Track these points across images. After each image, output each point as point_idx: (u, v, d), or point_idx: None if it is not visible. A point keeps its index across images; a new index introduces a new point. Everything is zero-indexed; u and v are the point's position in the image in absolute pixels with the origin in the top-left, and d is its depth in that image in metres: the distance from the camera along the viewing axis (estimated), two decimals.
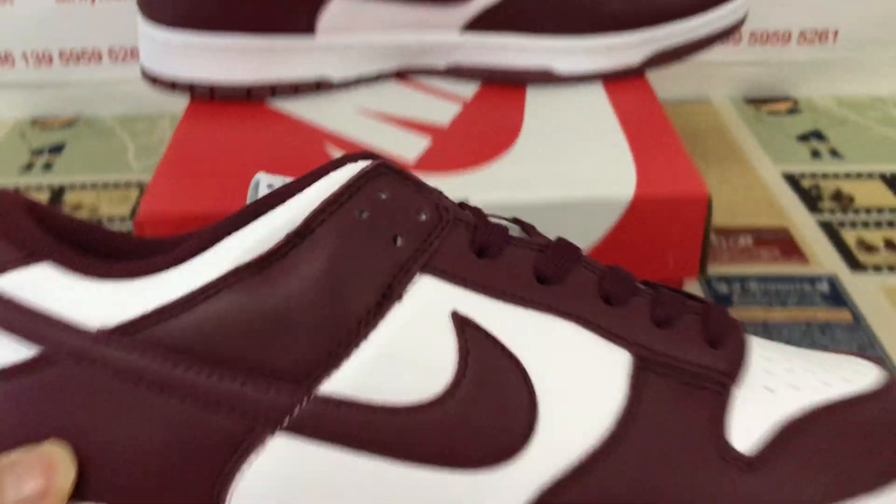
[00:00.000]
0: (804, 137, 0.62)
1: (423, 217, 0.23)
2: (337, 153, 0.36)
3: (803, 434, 0.24)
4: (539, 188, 0.33)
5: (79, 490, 0.22)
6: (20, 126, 0.65)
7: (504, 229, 0.25)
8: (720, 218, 0.53)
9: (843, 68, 0.66)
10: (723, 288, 0.48)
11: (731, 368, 0.25)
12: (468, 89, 0.40)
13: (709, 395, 0.24)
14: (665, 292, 0.26)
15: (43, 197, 0.56)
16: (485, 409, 0.22)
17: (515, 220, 0.27)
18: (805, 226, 0.52)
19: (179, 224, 0.33)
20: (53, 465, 0.21)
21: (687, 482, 0.23)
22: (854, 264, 0.49)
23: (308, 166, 0.35)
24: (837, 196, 0.55)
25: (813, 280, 0.48)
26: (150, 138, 0.63)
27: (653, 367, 0.24)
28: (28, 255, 0.22)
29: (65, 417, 0.22)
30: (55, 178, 0.58)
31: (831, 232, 0.52)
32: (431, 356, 0.22)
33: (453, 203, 0.25)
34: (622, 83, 0.40)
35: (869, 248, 0.50)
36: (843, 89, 0.67)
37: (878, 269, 0.49)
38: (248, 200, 0.27)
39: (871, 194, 0.55)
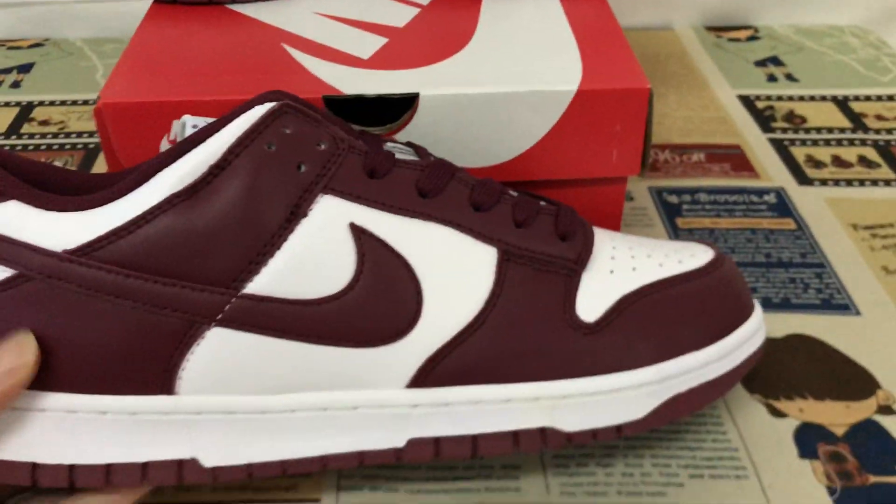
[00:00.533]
0: (762, 63, 0.63)
1: (323, 147, 0.28)
2: (294, 52, 0.37)
3: (637, 305, 0.31)
4: (488, 83, 0.34)
5: (51, 382, 0.27)
6: None
7: (391, 154, 0.29)
8: (675, 136, 0.55)
9: None
10: (673, 199, 0.49)
11: (578, 256, 0.31)
12: None
13: (560, 278, 0.30)
14: (524, 198, 0.31)
15: (11, 113, 0.57)
16: (379, 299, 0.28)
17: (409, 144, 0.32)
18: (757, 143, 0.54)
19: (136, 113, 0.34)
20: (22, 345, 0.26)
21: (542, 346, 0.30)
22: (802, 178, 0.51)
23: (266, 65, 0.36)
24: (790, 116, 0.57)
25: (761, 192, 0.50)
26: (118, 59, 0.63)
27: (514, 259, 0.30)
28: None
29: (37, 322, 0.26)
30: (24, 96, 0.59)
31: (781, 149, 0.54)
32: (334, 259, 0.27)
33: (349, 134, 0.29)
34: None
35: (817, 164, 0.52)
36: (803, 19, 0.68)
37: (823, 182, 0.51)
38: (176, 137, 0.30)
39: (822, 115, 0.57)
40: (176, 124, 0.31)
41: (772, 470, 0.34)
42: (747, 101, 0.59)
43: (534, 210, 0.31)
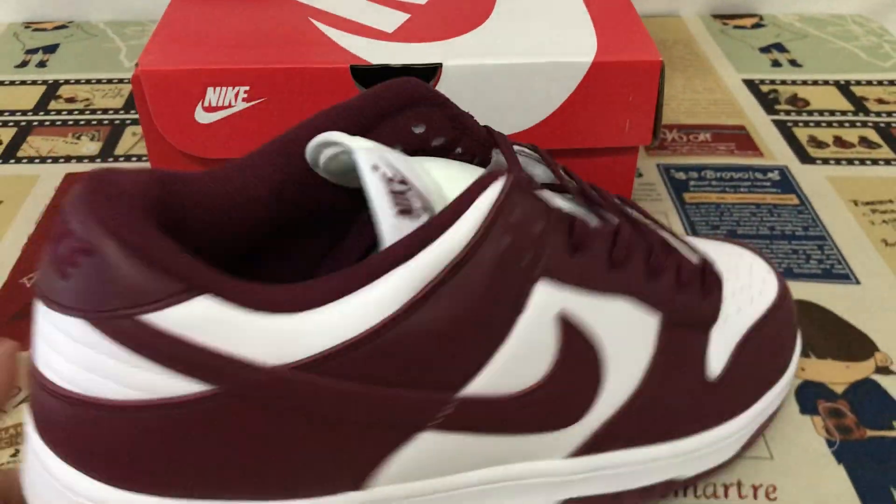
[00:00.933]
0: (766, 49, 0.65)
1: (539, 227, 0.24)
2: (322, 26, 0.39)
3: (745, 352, 0.31)
4: (507, 55, 0.36)
5: (232, 490, 0.24)
6: (13, 28, 0.67)
7: (584, 224, 0.26)
8: (682, 117, 0.57)
9: None
10: (680, 175, 0.51)
11: (713, 312, 0.30)
12: None
13: (698, 336, 0.30)
14: (681, 257, 0.29)
15: (38, 91, 0.59)
16: (570, 387, 0.26)
17: (534, 148, 0.29)
18: (761, 124, 0.56)
19: (172, 80, 0.36)
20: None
21: (680, 406, 0.29)
22: (804, 157, 0.53)
23: (296, 38, 0.38)
24: (793, 100, 0.59)
25: (765, 170, 0.52)
26: (140, 41, 0.65)
27: (671, 323, 0.28)
28: (188, 289, 0.21)
29: (228, 441, 0.23)
30: (49, 75, 0.61)
31: (785, 130, 0.55)
32: (540, 352, 0.25)
33: (470, 133, 0.26)
34: None
35: (819, 144, 0.54)
36: (807, 7, 0.70)
37: (825, 161, 0.52)
38: (383, 171, 0.24)
39: (825, 98, 0.59)
40: (364, 155, 0.23)
41: (774, 424, 0.35)
42: (752, 85, 0.60)
43: (696, 272, 0.30)
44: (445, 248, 0.23)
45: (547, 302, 0.25)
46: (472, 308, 0.23)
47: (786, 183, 0.50)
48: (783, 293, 0.34)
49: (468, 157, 0.28)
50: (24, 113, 0.56)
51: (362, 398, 0.23)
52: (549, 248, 0.24)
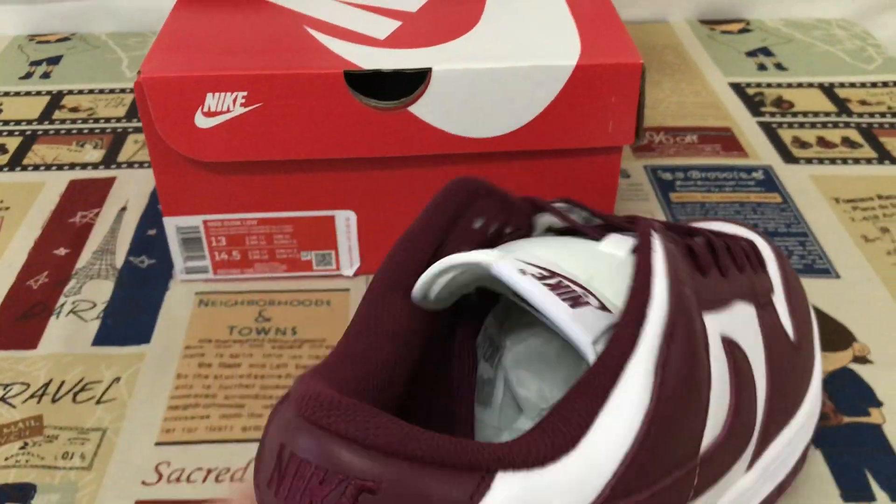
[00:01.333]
0: (752, 53, 0.67)
1: (682, 263, 0.24)
2: (316, 34, 0.40)
3: (793, 310, 0.32)
4: (494, 59, 0.38)
5: None
6: (18, 40, 0.68)
7: (698, 246, 0.27)
8: (670, 119, 0.58)
9: None
10: (667, 176, 0.53)
11: (771, 283, 0.31)
12: None
13: (771, 309, 0.30)
14: (737, 242, 0.30)
15: (43, 101, 0.60)
16: (745, 403, 0.25)
17: (568, 201, 0.29)
18: (747, 126, 0.57)
19: (174, 86, 0.37)
20: None
21: (785, 373, 0.29)
22: (788, 157, 0.54)
23: (291, 44, 0.39)
24: (778, 102, 0.60)
25: (749, 169, 0.53)
26: (142, 51, 0.67)
27: (761, 308, 0.29)
28: (482, 478, 0.19)
29: None
30: (54, 85, 0.62)
31: (770, 131, 0.57)
32: (724, 382, 0.24)
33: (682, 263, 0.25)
34: None
35: (802, 144, 0.55)
36: (792, 12, 0.72)
37: (808, 161, 0.54)
38: (431, 296, 0.24)
39: (809, 101, 0.60)
40: (505, 265, 0.22)
41: None
42: (738, 88, 0.62)
43: (749, 253, 0.31)
44: (657, 320, 0.21)
45: (714, 331, 0.24)
46: (694, 365, 0.22)
47: (770, 182, 0.52)
48: (780, 254, 0.35)
49: (520, 233, 0.27)
50: (29, 122, 0.58)
51: None
52: (692, 280, 0.24)
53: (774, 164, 0.54)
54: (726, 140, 0.56)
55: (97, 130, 0.57)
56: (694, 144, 0.56)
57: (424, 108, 0.38)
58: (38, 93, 0.61)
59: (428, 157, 0.40)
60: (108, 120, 0.58)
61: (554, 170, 0.41)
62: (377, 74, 0.38)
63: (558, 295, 0.21)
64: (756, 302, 0.28)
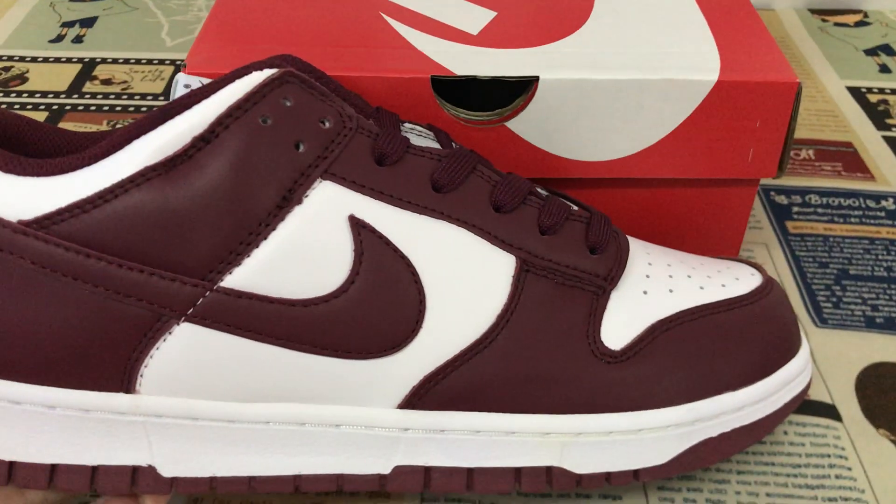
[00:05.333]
0: (872, 51, 0.58)
1: (327, 125, 0.24)
2: (394, 24, 0.34)
3: (671, 333, 0.27)
4: (615, 68, 0.31)
5: None
6: None
7: (404, 140, 0.25)
8: None
9: None
10: (782, 199, 0.45)
11: (608, 272, 0.27)
12: None
13: (586, 296, 0.27)
14: (554, 200, 0.27)
15: (73, 70, 0.54)
16: (376, 305, 0.24)
17: (430, 127, 0.28)
18: (871, 141, 0.50)
19: None
20: None
21: (558, 373, 0.26)
22: None
23: (365, 36, 0.32)
24: None
25: (878, 197, 0.46)
26: (184, 16, 0.60)
27: (534, 270, 0.26)
28: None
29: None
30: (86, 52, 0.56)
31: None
32: (328, 256, 0.24)
33: (357, 112, 0.25)
34: None
35: None
36: None
37: None
38: (172, 97, 0.26)
39: None
40: (175, 82, 0.27)
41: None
42: (858, 94, 0.54)
43: (563, 215, 0.27)
44: (189, 121, 0.23)
45: (334, 202, 0.24)
46: (221, 187, 0.23)
47: None
48: (763, 288, 0.30)
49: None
50: (56, 95, 0.52)
51: (100, 268, 0.23)
52: (342, 150, 0.24)
53: None
54: (848, 158, 0.48)
55: (131, 108, 0.51)
56: (811, 161, 0.48)
57: (526, 124, 0.31)
58: (69, 60, 0.55)
59: None
60: (143, 96, 0.52)
61: (676, 203, 0.34)
62: (471, 81, 0.31)
63: (178, 99, 0.25)
64: (523, 259, 0.26)
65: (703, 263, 0.30)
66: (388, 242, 0.24)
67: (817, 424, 0.34)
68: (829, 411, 0.34)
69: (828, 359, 0.36)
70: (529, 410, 0.26)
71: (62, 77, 0.53)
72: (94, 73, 0.54)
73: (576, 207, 0.28)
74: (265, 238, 0.23)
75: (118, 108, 0.51)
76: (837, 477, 0.32)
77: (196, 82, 0.26)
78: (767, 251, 0.42)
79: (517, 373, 0.26)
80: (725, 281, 0.29)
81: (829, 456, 0.32)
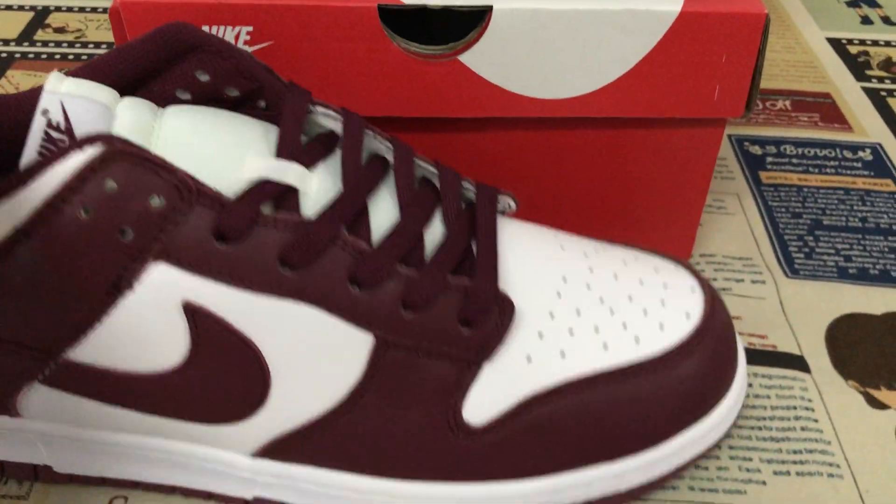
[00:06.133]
0: (854, 3, 0.57)
1: (157, 203, 0.22)
2: None
3: (548, 409, 0.25)
4: None
5: None
6: None
7: (253, 211, 0.23)
8: None
9: None
10: (755, 150, 0.44)
11: (480, 347, 0.25)
12: None
13: (453, 369, 0.25)
14: (430, 275, 0.24)
15: (25, 17, 0.52)
16: (216, 382, 0.24)
17: (344, 112, 0.26)
18: (850, 92, 0.48)
19: (156, 17, 0.29)
20: None
21: (412, 443, 0.25)
22: None
23: None
24: (888, 64, 0.51)
25: (855, 147, 0.44)
26: None
27: (394, 347, 0.24)
28: None
29: None
30: (38, 0, 0.54)
31: (878, 100, 0.48)
32: (163, 339, 0.24)
33: (198, 181, 0.23)
34: None
35: None
36: None
37: None
38: (48, 116, 0.24)
39: None
40: (47, 98, 0.23)
41: (869, 470, 0.29)
42: (838, 45, 0.52)
43: (433, 292, 0.24)
44: (9, 211, 0.22)
45: (167, 286, 0.23)
46: (47, 278, 0.23)
47: (880, 164, 0.43)
48: (688, 345, 0.26)
49: (274, 112, 0.26)
50: (5, 42, 0.50)
51: None
52: (176, 230, 0.22)
53: (885, 141, 0.45)
54: (826, 108, 0.47)
55: (84, 57, 0.49)
56: (787, 112, 0.47)
57: (480, 58, 0.30)
58: (21, 7, 0.53)
59: (480, 122, 0.32)
60: (98, 45, 0.50)
61: (637, 143, 0.32)
62: (421, 11, 0.29)
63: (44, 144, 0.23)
64: (382, 336, 0.24)
65: (635, 294, 0.27)
66: (226, 326, 0.23)
67: (784, 376, 0.32)
68: (797, 363, 0.33)
69: (798, 310, 0.35)
70: (382, 475, 0.26)
71: (12, 24, 0.51)
72: (46, 21, 0.52)
73: (456, 279, 0.25)
74: (100, 321, 0.23)
75: (70, 57, 0.49)
76: (803, 429, 0.31)
77: (57, 109, 0.23)
78: (739, 201, 0.41)
79: (371, 440, 0.25)
80: (641, 332, 0.26)
81: (795, 408, 0.31)
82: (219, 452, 0.26)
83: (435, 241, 0.25)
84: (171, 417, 0.25)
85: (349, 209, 0.24)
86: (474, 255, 0.26)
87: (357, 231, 0.24)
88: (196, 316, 0.23)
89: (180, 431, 0.26)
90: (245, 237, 0.23)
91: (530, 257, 0.27)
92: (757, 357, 0.33)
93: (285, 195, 0.24)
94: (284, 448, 0.26)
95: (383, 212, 0.25)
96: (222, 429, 0.26)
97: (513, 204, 0.28)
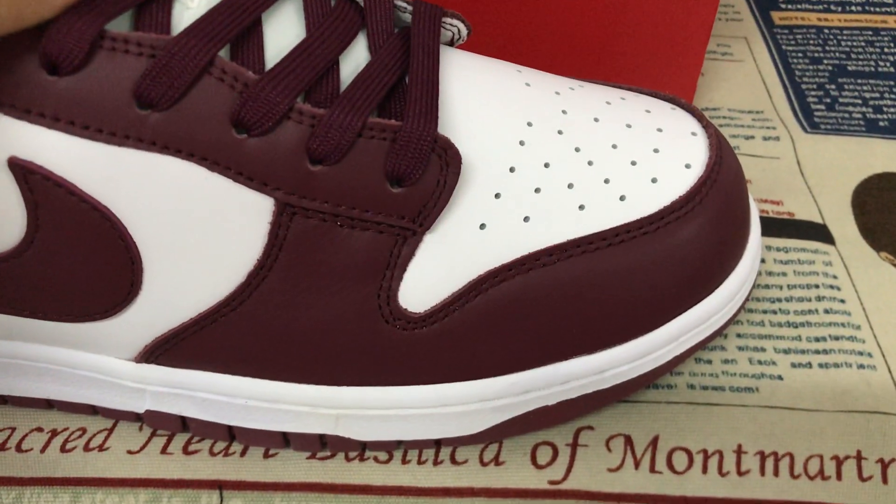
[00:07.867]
0: None
1: None
2: None
3: (506, 286, 0.20)
4: None
5: None
6: None
7: (94, 25, 0.17)
8: None
9: None
10: None
11: (417, 213, 0.20)
12: None
13: (384, 241, 0.20)
14: (340, 112, 0.19)
15: None
16: (70, 266, 0.20)
17: None
18: None
19: None
20: None
21: (332, 338, 0.21)
22: None
23: None
24: None
25: None
26: None
27: (302, 213, 0.19)
28: None
29: None
30: None
31: None
32: None
33: None
34: None
35: None
36: None
37: None
38: None
39: None
40: None
41: None
42: None
43: (349, 135, 0.19)
44: None
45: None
46: None
47: None
48: (687, 202, 0.21)
49: None
50: None
51: None
52: None
53: None
54: None
55: None
56: None
57: None
58: None
59: None
60: None
61: None
62: None
63: None
64: (279, 200, 0.19)
65: (621, 135, 0.22)
66: (72, 188, 0.18)
67: (804, 249, 0.27)
68: (819, 232, 0.28)
69: (819, 170, 0.30)
70: (293, 379, 0.21)
71: None
72: None
73: (381, 120, 0.19)
74: None
75: None
76: (827, 311, 0.26)
77: None
78: (748, 46, 0.35)
79: (280, 336, 0.21)
80: (633, 184, 0.21)
81: (817, 287, 0.26)
82: (94, 357, 0.22)
83: (355, 73, 0.19)
84: (22, 315, 0.21)
85: (233, 24, 0.18)
86: (407, 91, 0.19)
87: (243, 56, 0.18)
88: (30, 178, 0.18)
89: (39, 332, 0.21)
90: (85, 64, 0.17)
91: (484, 96, 0.20)
92: (771, 226, 0.28)
93: (150, 5, 0.18)
94: (172, 349, 0.21)
95: (285, 32, 0.19)
96: (91, 327, 0.21)
97: (463, 30, 0.22)
